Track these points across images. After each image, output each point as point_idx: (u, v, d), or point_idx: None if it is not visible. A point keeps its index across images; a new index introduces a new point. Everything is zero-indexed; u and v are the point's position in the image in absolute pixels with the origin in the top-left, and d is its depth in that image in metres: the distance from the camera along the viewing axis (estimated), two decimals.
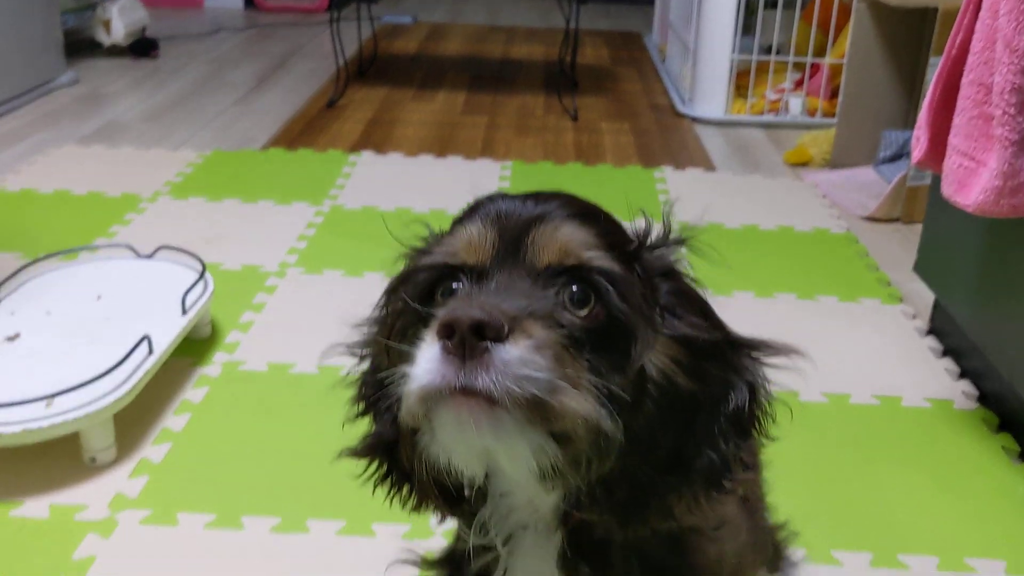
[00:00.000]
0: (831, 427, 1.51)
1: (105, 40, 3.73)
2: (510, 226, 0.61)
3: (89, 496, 1.28)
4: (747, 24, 3.25)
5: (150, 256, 1.74)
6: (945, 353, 1.74)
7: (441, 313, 0.55)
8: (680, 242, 0.67)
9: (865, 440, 1.48)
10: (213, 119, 3.04)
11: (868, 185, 2.60)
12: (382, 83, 3.58)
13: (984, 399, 1.59)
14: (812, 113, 3.17)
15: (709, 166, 2.75)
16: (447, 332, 0.54)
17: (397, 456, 0.67)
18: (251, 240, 2.11)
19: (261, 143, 2.81)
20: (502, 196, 0.65)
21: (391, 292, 0.68)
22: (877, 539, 1.26)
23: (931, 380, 1.65)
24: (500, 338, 0.54)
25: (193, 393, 1.53)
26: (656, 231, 0.66)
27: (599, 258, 0.60)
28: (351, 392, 0.70)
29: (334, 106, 3.22)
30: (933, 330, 1.80)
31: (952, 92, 1.34)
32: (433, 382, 0.54)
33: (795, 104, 3.18)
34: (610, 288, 0.59)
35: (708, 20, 3.13)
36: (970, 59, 1.28)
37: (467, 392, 0.53)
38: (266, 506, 1.28)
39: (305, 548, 1.21)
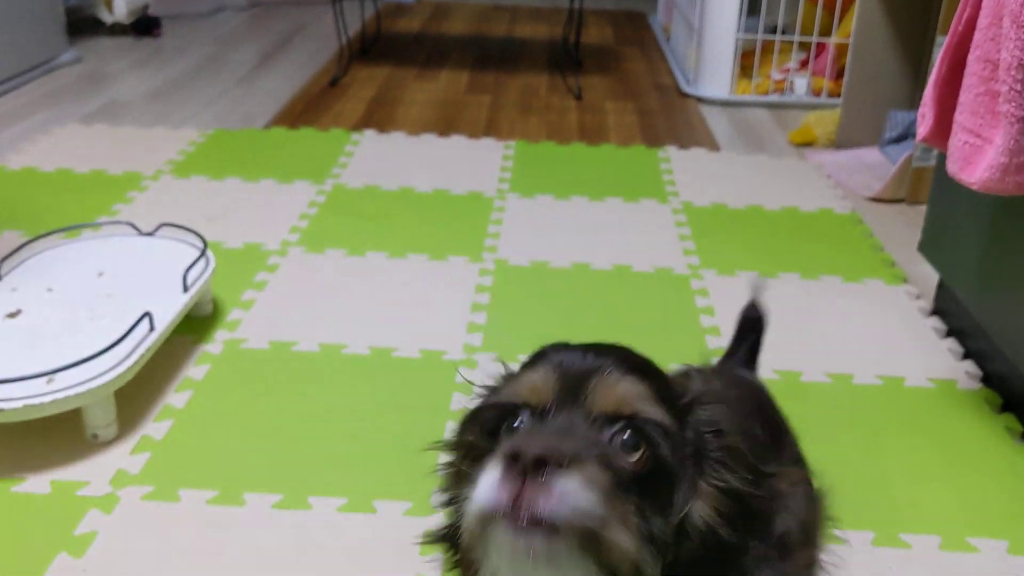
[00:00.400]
0: (834, 407, 1.50)
1: (107, 19, 3.71)
2: (571, 374, 0.67)
3: (91, 472, 1.29)
4: (752, 5, 3.23)
5: (152, 233, 1.74)
6: (949, 334, 1.73)
7: (506, 443, 0.61)
8: (719, 402, 0.72)
9: (867, 420, 1.47)
10: (216, 98, 3.03)
11: (873, 166, 2.58)
12: (385, 62, 3.56)
13: (987, 379, 1.59)
14: (817, 93, 3.15)
15: (713, 146, 2.74)
16: (511, 460, 0.59)
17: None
18: (253, 219, 2.10)
19: (263, 122, 2.80)
20: (566, 346, 0.71)
21: (464, 425, 0.74)
22: (879, 518, 1.26)
23: (934, 361, 1.64)
24: (558, 471, 0.59)
25: (195, 370, 1.53)
26: (701, 391, 0.71)
27: (653, 410, 0.66)
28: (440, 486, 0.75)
29: (337, 85, 3.21)
30: (937, 311, 1.80)
31: (958, 69, 1.33)
32: (493, 504, 0.59)
33: (800, 84, 3.16)
34: (660, 438, 0.65)
35: (713, 0, 3.11)
36: (977, 35, 1.27)
37: (524, 518, 0.58)
38: (268, 483, 1.28)
39: (306, 524, 1.21)
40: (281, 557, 1.15)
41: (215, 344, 1.60)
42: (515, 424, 0.67)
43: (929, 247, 1.74)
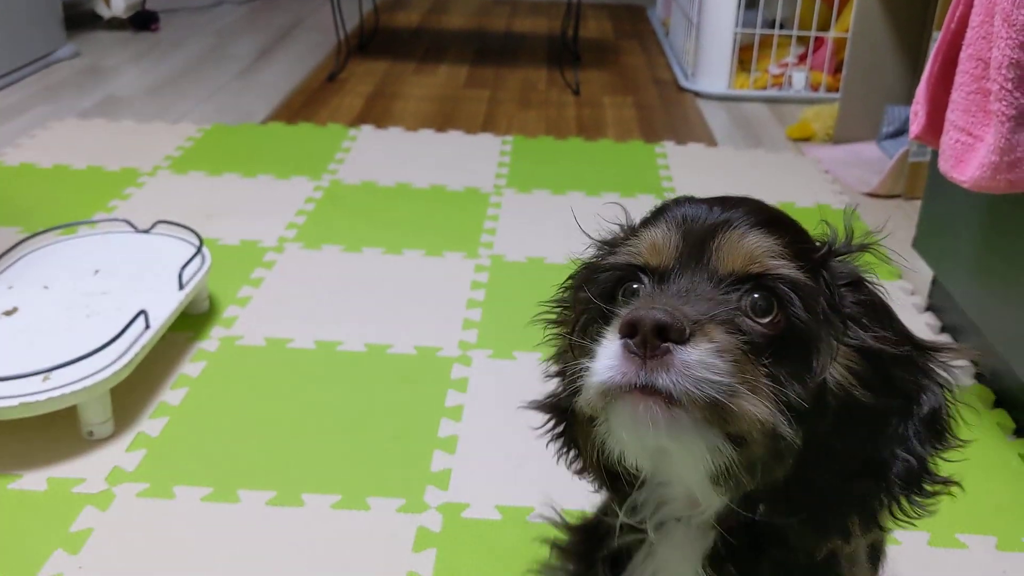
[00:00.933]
0: None
1: (105, 13, 3.71)
2: (695, 230, 0.63)
3: (87, 469, 1.30)
4: None
5: (148, 231, 1.75)
6: (943, 330, 1.74)
7: (624, 312, 0.57)
8: (864, 248, 0.68)
9: None
10: (214, 93, 3.03)
11: (871, 161, 2.58)
12: (383, 57, 3.56)
13: (980, 376, 1.59)
14: (815, 88, 3.15)
15: (711, 141, 2.74)
16: (630, 331, 0.56)
17: (570, 423, 0.69)
18: (250, 215, 2.11)
19: (262, 117, 2.80)
20: (689, 200, 0.66)
21: (577, 282, 0.70)
22: None
23: None
24: (681, 340, 0.55)
25: (191, 367, 1.53)
26: (840, 238, 0.67)
27: (784, 267, 0.61)
28: (550, 354, 0.72)
29: (335, 80, 3.21)
30: (931, 307, 1.80)
31: (951, 67, 1.33)
32: (614, 379, 0.56)
33: (798, 78, 3.15)
34: (794, 297, 0.60)
35: None
36: (969, 33, 1.27)
37: (646, 391, 0.55)
38: (262, 480, 1.29)
39: (300, 521, 1.22)
40: (274, 553, 1.16)
41: (211, 341, 1.61)
42: (634, 287, 0.63)
43: (923, 244, 1.74)
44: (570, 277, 0.72)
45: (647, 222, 0.67)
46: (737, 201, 0.66)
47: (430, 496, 1.27)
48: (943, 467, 0.65)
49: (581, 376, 0.60)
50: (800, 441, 0.59)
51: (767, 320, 0.60)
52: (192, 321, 1.66)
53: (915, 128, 1.40)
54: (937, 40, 1.35)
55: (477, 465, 1.34)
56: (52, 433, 1.35)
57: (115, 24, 3.78)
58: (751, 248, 0.61)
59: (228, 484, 1.28)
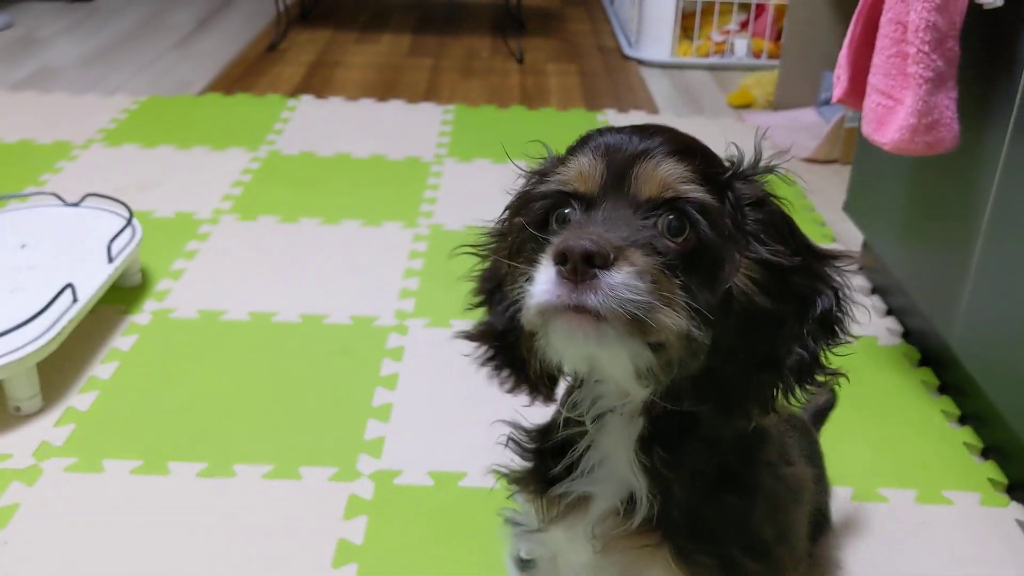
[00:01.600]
0: None
1: None
2: (617, 160, 0.70)
3: (13, 445, 1.28)
4: None
5: (77, 204, 1.72)
6: (872, 291, 1.77)
7: (556, 241, 0.65)
8: (769, 170, 0.76)
9: None
10: (150, 63, 2.97)
11: (810, 127, 2.61)
12: (326, 26, 3.52)
13: (907, 335, 1.63)
14: (757, 55, 3.17)
15: (653, 109, 2.75)
16: (562, 259, 0.64)
17: (504, 344, 0.78)
18: (185, 187, 2.08)
19: (199, 88, 2.75)
20: (611, 130, 0.73)
21: (512, 210, 0.79)
22: None
23: (856, 317, 1.68)
24: (606, 265, 0.63)
25: (122, 341, 1.52)
26: (747, 160, 0.75)
27: (693, 191, 0.69)
28: (472, 285, 0.82)
29: (275, 50, 3.16)
30: (862, 268, 1.84)
31: (872, 31, 1.35)
32: (549, 300, 0.65)
33: (740, 46, 3.17)
34: (702, 219, 0.68)
35: None
36: None
37: (578, 310, 0.64)
38: (193, 452, 1.28)
39: (231, 492, 1.22)
40: (204, 524, 1.16)
41: (143, 315, 1.59)
42: (565, 212, 0.72)
43: (853, 207, 1.77)
44: (506, 207, 0.80)
45: (573, 151, 0.75)
46: (654, 130, 0.74)
47: (363, 464, 1.27)
48: (834, 360, 0.73)
49: (521, 297, 0.68)
50: (709, 341, 0.68)
51: (680, 239, 0.68)
52: (124, 294, 1.64)
53: (838, 92, 1.41)
54: (859, 5, 1.37)
55: (411, 433, 1.34)
56: None
57: None
58: (665, 176, 0.69)
59: (158, 457, 1.27)
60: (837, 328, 0.73)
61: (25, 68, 2.88)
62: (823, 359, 0.72)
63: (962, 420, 1.42)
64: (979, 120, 1.28)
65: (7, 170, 2.12)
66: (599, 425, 0.77)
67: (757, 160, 0.76)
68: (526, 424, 0.84)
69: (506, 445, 0.83)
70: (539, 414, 0.84)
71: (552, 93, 2.86)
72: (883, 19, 1.30)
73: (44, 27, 3.34)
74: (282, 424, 1.35)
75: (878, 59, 1.31)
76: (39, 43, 3.15)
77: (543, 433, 0.83)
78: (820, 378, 0.72)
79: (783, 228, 0.73)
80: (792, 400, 0.73)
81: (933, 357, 1.55)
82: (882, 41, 1.30)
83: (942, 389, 1.49)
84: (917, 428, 1.40)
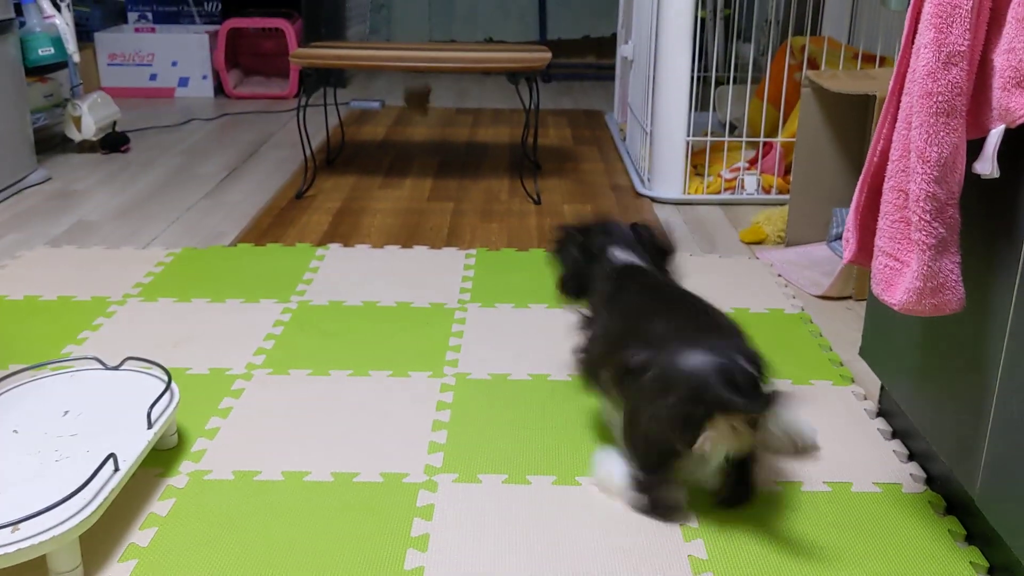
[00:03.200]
0: (783, 517, 1.55)
1: (76, 136, 3.80)
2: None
3: None
4: (703, 97, 3.37)
5: (117, 367, 1.78)
6: (894, 435, 1.80)
7: None
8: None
9: (816, 529, 1.52)
10: (183, 214, 3.10)
11: (821, 262, 2.68)
12: (350, 171, 3.66)
13: (931, 481, 1.65)
14: (767, 190, 3.27)
15: None
16: None
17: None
18: (219, 341, 2.15)
19: (230, 238, 2.87)
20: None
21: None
22: None
23: (881, 463, 1.70)
24: None
25: (159, 506, 1.55)
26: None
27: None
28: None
29: (302, 197, 3.29)
30: (882, 411, 1.86)
31: (876, 196, 1.42)
32: None
33: (750, 182, 3.28)
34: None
35: (663, 104, 3.25)
36: (889, 166, 1.36)
37: None
38: None
39: None
40: None
41: (180, 477, 1.63)
42: None
43: (868, 352, 1.81)
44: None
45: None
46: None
47: None
48: None
49: None
50: None
51: None
52: (161, 457, 1.68)
53: (848, 254, 1.48)
54: (862, 173, 1.44)
55: None
56: None
57: (86, 147, 3.87)
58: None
59: None
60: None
61: (63, 223, 3.01)
62: None
63: (990, 572, 1.42)
64: (985, 281, 1.33)
65: (48, 328, 2.21)
66: None
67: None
68: None
69: None
70: None
71: None
72: (886, 186, 1.37)
73: (80, 181, 3.50)
74: None
75: (883, 223, 1.38)
76: (76, 196, 3.30)
77: None
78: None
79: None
80: None
81: (958, 505, 1.56)
82: (886, 207, 1.37)
83: (969, 539, 1.50)
84: None
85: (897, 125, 1.36)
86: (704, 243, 2.89)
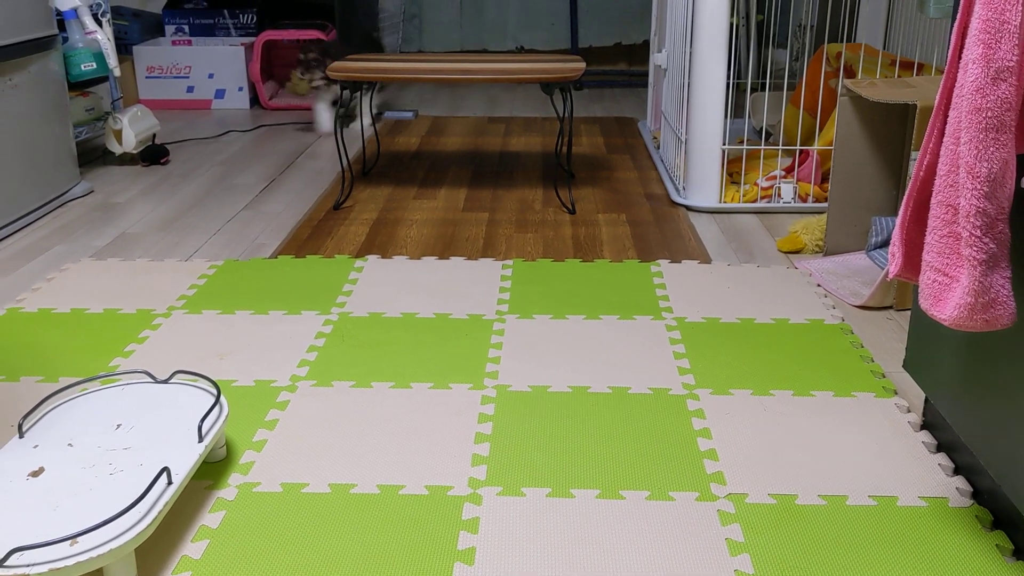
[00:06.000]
0: (828, 531, 1.55)
1: (116, 149, 3.86)
2: None
3: None
4: (738, 104, 3.36)
5: (166, 381, 1.81)
6: (939, 448, 1.79)
7: None
8: None
9: (861, 543, 1.52)
10: (223, 225, 3.14)
11: (861, 271, 2.67)
12: (385, 182, 3.69)
13: (978, 495, 1.64)
14: (804, 199, 3.26)
15: (705, 257, 2.83)
16: None
17: None
18: (263, 353, 2.18)
19: (271, 250, 2.90)
20: None
21: None
22: None
23: (926, 477, 1.69)
24: None
25: (210, 518, 1.58)
26: None
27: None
28: None
29: (340, 208, 3.33)
30: (926, 424, 1.85)
31: (923, 210, 1.42)
32: None
33: (787, 190, 3.27)
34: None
35: (698, 112, 3.25)
36: (937, 181, 1.36)
37: None
38: None
39: None
40: None
41: (229, 489, 1.66)
42: None
43: (913, 364, 1.81)
44: None
45: None
46: None
47: None
48: None
49: None
50: None
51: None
52: (210, 469, 1.71)
53: (894, 268, 1.47)
54: (907, 188, 1.44)
55: None
56: None
57: (126, 159, 3.93)
58: None
59: None
60: None
61: (106, 235, 3.06)
62: None
63: None
64: None
65: (96, 341, 2.25)
66: None
67: None
68: None
69: None
70: None
71: (604, 244, 2.96)
72: (933, 201, 1.37)
73: (121, 192, 3.55)
74: None
75: (931, 238, 1.38)
76: (118, 209, 3.35)
77: None
78: None
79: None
80: None
81: (1005, 519, 1.55)
82: (934, 221, 1.37)
83: (1016, 553, 1.49)
84: None
85: (944, 140, 1.35)
86: (741, 252, 2.88)
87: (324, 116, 4.55)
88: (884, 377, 2.07)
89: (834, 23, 4.01)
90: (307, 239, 3.01)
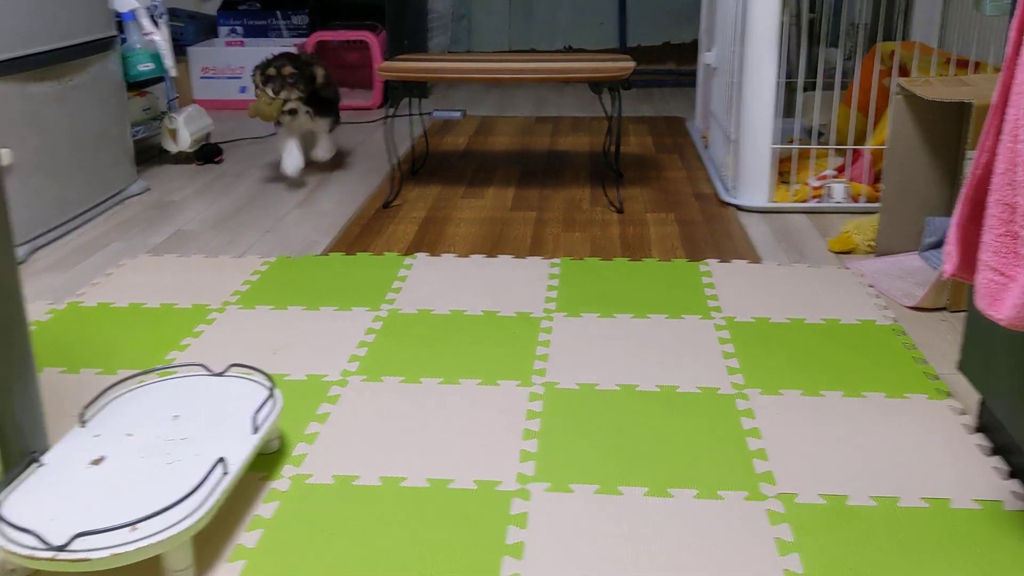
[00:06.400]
0: (880, 532, 1.53)
1: (172, 148, 3.94)
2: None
3: None
4: (788, 106, 3.33)
5: (221, 374, 1.85)
6: (994, 451, 1.76)
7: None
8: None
9: (914, 545, 1.50)
10: (276, 223, 3.19)
11: (914, 272, 2.63)
12: (434, 181, 3.72)
13: None
14: (855, 199, 3.22)
15: (754, 257, 2.81)
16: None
17: None
18: (315, 349, 2.21)
19: (322, 247, 2.94)
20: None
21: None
22: None
23: (980, 480, 1.67)
24: None
25: (264, 508, 1.61)
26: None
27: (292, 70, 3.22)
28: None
29: (389, 207, 3.36)
30: (981, 427, 1.83)
31: (979, 209, 1.40)
32: None
33: (838, 190, 3.23)
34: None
35: (748, 111, 3.23)
36: (994, 179, 1.34)
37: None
38: None
39: None
40: None
41: (283, 480, 1.69)
42: None
43: (968, 366, 1.78)
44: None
45: None
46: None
47: None
48: None
49: None
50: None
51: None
52: (264, 461, 1.74)
53: (949, 267, 1.46)
54: (964, 187, 1.43)
55: None
56: None
57: (181, 158, 4.01)
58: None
59: None
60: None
61: (162, 232, 3.13)
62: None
63: None
64: None
65: (153, 335, 2.30)
66: None
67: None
68: None
69: None
70: None
71: (653, 243, 2.96)
72: (990, 200, 1.36)
73: (177, 191, 3.63)
74: None
75: (987, 237, 1.36)
76: (173, 206, 3.42)
77: None
78: None
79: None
80: None
81: None
82: (991, 221, 1.35)
83: None
84: None
85: (1002, 138, 1.34)
86: (792, 252, 2.86)
87: (294, 153, 3.59)
88: (937, 379, 2.04)
89: (888, 21, 3.96)
90: (357, 237, 3.04)
